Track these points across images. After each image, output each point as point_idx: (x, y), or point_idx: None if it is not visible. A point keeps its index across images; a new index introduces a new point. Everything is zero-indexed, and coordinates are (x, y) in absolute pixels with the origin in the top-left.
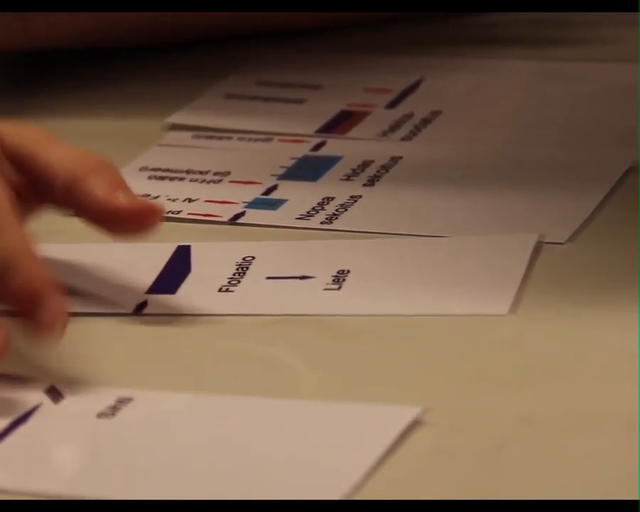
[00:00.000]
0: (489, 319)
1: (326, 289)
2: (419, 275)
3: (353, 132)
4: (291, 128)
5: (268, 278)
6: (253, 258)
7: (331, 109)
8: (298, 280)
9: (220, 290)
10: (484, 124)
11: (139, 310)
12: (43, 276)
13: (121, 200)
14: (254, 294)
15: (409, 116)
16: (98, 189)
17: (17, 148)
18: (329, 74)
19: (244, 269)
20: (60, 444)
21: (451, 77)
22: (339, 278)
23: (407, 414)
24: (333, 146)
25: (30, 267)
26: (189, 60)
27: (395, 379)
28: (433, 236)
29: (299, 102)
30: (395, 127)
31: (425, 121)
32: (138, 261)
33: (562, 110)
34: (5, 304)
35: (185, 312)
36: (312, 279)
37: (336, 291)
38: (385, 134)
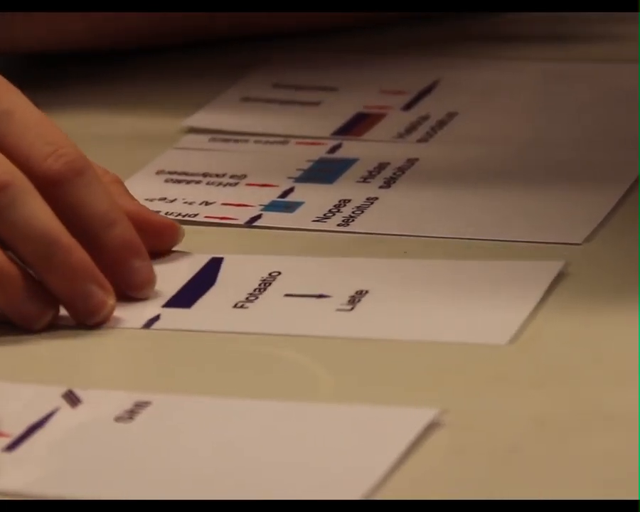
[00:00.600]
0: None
1: (338, 310)
2: (433, 300)
3: (369, 134)
4: (307, 130)
5: (286, 295)
6: (279, 273)
7: (347, 111)
8: (314, 299)
9: (235, 306)
10: (500, 125)
11: (150, 324)
12: (137, 237)
13: (141, 210)
14: (267, 312)
15: (425, 117)
16: (122, 200)
17: None
18: (345, 75)
19: (267, 284)
20: (77, 449)
21: (467, 78)
22: (355, 299)
23: (424, 416)
24: (350, 149)
25: (129, 225)
26: (204, 62)
27: (411, 380)
28: (450, 237)
29: (315, 104)
30: (411, 129)
31: (441, 123)
32: (167, 271)
33: (577, 111)
34: (97, 254)
35: (195, 328)
36: (328, 298)
37: (347, 313)
38: (401, 135)
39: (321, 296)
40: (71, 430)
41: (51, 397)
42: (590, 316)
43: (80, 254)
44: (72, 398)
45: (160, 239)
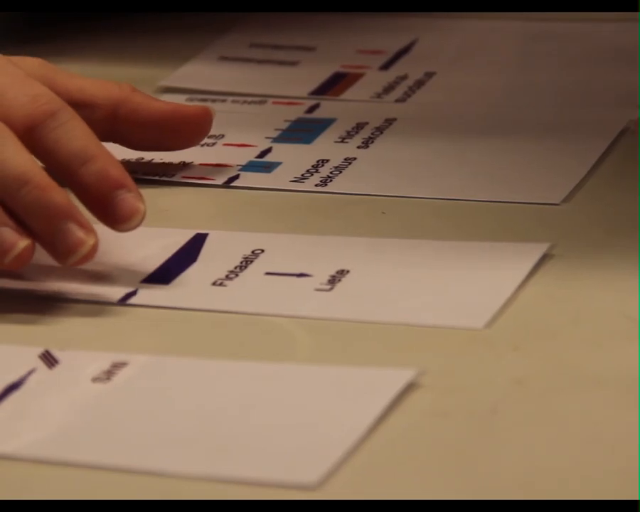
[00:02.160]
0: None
1: (317, 290)
2: (414, 281)
3: (347, 94)
4: (284, 90)
5: (267, 274)
6: (262, 251)
7: (324, 71)
8: (295, 278)
9: (214, 283)
10: (478, 84)
11: (126, 299)
12: (121, 169)
13: (173, 106)
14: (245, 291)
15: (403, 77)
16: (148, 102)
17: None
18: (323, 35)
19: (249, 262)
20: (54, 409)
21: (445, 37)
22: (335, 278)
23: (402, 376)
24: (327, 108)
25: (109, 159)
26: (182, 22)
27: (390, 342)
28: (428, 198)
29: (293, 64)
30: (388, 89)
31: (419, 83)
32: (150, 246)
33: (555, 70)
34: (79, 193)
35: (171, 305)
36: (308, 278)
37: (326, 293)
38: (379, 95)
39: (301, 275)
40: (48, 391)
41: (28, 357)
42: (569, 277)
43: (56, 192)
44: (49, 359)
45: (194, 127)
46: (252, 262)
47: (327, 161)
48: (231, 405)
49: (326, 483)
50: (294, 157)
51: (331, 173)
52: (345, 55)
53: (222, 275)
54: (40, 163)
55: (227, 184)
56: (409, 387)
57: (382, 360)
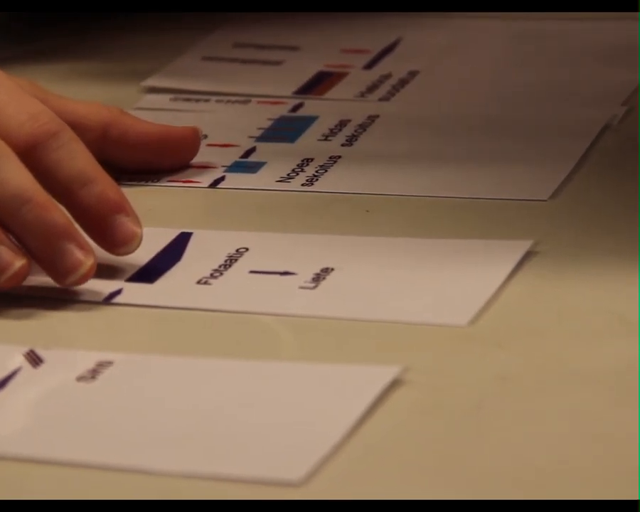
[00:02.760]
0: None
1: (301, 288)
2: (397, 279)
3: (331, 93)
4: (268, 90)
5: (251, 272)
6: (247, 249)
7: (308, 70)
8: (279, 276)
9: (198, 282)
10: (462, 84)
11: (111, 298)
12: (120, 193)
13: (161, 127)
14: (229, 289)
15: (387, 76)
16: (137, 124)
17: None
18: (306, 35)
19: (233, 260)
20: (39, 408)
21: (428, 36)
22: (320, 276)
23: (387, 373)
24: (311, 107)
25: (109, 183)
26: (166, 22)
27: (375, 339)
28: (414, 195)
29: (277, 63)
30: (372, 88)
31: (403, 82)
32: None
33: (538, 68)
34: (78, 215)
35: (156, 304)
36: (293, 276)
37: (310, 291)
38: (362, 94)
39: (286, 273)
40: (33, 390)
41: (13, 356)
42: (555, 273)
43: (55, 212)
44: (33, 358)
45: (182, 148)
46: (236, 260)
47: (312, 160)
48: (216, 403)
49: (311, 480)
50: (278, 156)
51: (316, 172)
52: (329, 55)
53: (207, 274)
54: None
55: (213, 186)
56: (394, 384)
57: (368, 357)
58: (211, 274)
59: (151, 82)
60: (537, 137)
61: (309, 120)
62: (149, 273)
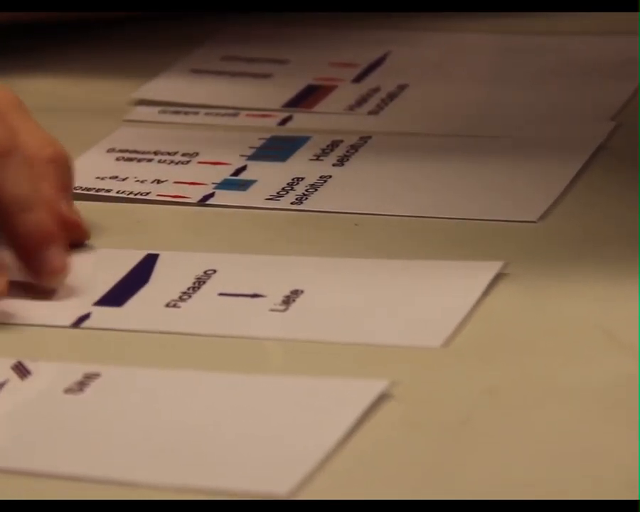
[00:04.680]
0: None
1: (271, 310)
2: (368, 301)
3: (320, 106)
4: (257, 103)
5: (220, 294)
6: (215, 271)
7: (297, 83)
8: (248, 298)
9: (167, 305)
10: (451, 98)
11: (79, 323)
12: (54, 228)
13: (63, 207)
14: (199, 312)
15: (376, 90)
16: (50, 185)
17: None
18: (295, 48)
19: (202, 283)
20: (26, 421)
21: (417, 50)
22: (290, 299)
23: (374, 387)
24: (301, 121)
25: (48, 213)
26: (155, 34)
27: (358, 354)
28: (404, 216)
29: (266, 76)
30: (361, 101)
31: (392, 95)
32: (101, 267)
33: (530, 83)
34: (11, 238)
35: (125, 328)
36: (262, 298)
37: (280, 313)
38: (351, 108)
39: (255, 295)
40: (20, 402)
41: (0, 369)
42: (543, 289)
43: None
44: (21, 370)
45: (66, 232)
46: (204, 282)
47: (302, 178)
48: (203, 416)
49: (298, 494)
50: (269, 175)
51: (306, 190)
52: (318, 68)
53: (176, 296)
54: None
55: (202, 202)
56: (381, 398)
57: (352, 373)
58: (180, 297)
59: (140, 94)
60: (529, 156)
61: (301, 140)
62: (117, 296)
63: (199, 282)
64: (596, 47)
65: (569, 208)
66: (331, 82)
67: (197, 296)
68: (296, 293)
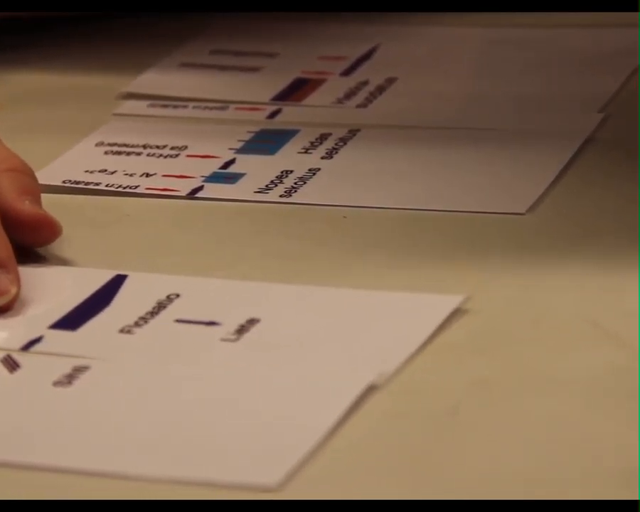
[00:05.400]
0: (444, 284)
1: (222, 340)
2: (322, 333)
3: (309, 100)
4: (246, 96)
5: (177, 321)
6: (177, 296)
7: (286, 76)
8: (203, 326)
9: (121, 331)
10: (440, 91)
11: (28, 347)
12: (8, 250)
13: (26, 205)
14: (150, 339)
15: (365, 83)
16: (6, 191)
17: None
18: (284, 42)
19: (162, 308)
20: (15, 413)
21: (406, 44)
22: (244, 328)
23: (362, 379)
24: (289, 114)
25: None
26: (144, 28)
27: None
28: (393, 208)
29: (254, 70)
30: (350, 95)
31: (380, 89)
32: (67, 287)
33: (518, 76)
34: None
35: (75, 353)
36: (217, 327)
37: (231, 343)
38: (340, 101)
39: (211, 323)
40: (9, 395)
41: None
42: (531, 281)
43: None
44: (10, 362)
45: (33, 234)
46: (164, 307)
47: (291, 171)
48: (191, 408)
49: (286, 485)
50: (258, 168)
51: (295, 183)
52: (307, 62)
53: (131, 322)
54: None
55: (191, 195)
56: (369, 390)
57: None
58: (135, 322)
59: (130, 88)
60: (519, 148)
61: (290, 133)
62: (74, 320)
63: (159, 307)
64: (584, 39)
65: (557, 199)
66: (320, 76)
67: (153, 322)
68: (251, 322)
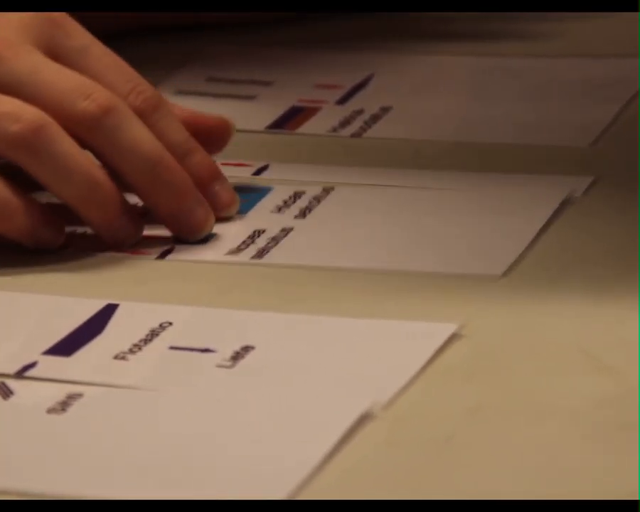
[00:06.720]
0: (436, 311)
1: (218, 366)
2: (317, 361)
3: (304, 128)
4: (242, 124)
5: (171, 348)
6: (170, 324)
7: (282, 105)
8: (198, 353)
9: (115, 357)
10: (434, 119)
11: (23, 372)
12: (213, 161)
13: (193, 114)
14: (145, 365)
15: (360, 112)
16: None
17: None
18: (280, 70)
19: (155, 335)
20: (8, 440)
21: (401, 73)
22: (239, 355)
23: (356, 407)
24: (275, 172)
25: (204, 153)
26: (139, 55)
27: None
28: (364, 269)
29: (250, 98)
30: (345, 123)
31: (375, 117)
32: (60, 315)
33: (510, 105)
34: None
35: (69, 379)
36: (212, 354)
37: (226, 370)
38: (335, 130)
39: (206, 350)
40: (3, 422)
41: None
42: (524, 308)
43: (182, 173)
44: (4, 389)
45: (214, 135)
46: (158, 335)
47: (263, 231)
48: (190, 432)
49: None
50: (229, 228)
51: (267, 244)
52: (303, 90)
53: (126, 348)
54: None
55: (162, 257)
56: (364, 418)
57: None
58: (130, 349)
59: None
60: (499, 207)
61: (263, 191)
62: (68, 346)
63: (152, 334)
64: (576, 69)
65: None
66: (315, 104)
67: (147, 349)
68: (246, 349)
